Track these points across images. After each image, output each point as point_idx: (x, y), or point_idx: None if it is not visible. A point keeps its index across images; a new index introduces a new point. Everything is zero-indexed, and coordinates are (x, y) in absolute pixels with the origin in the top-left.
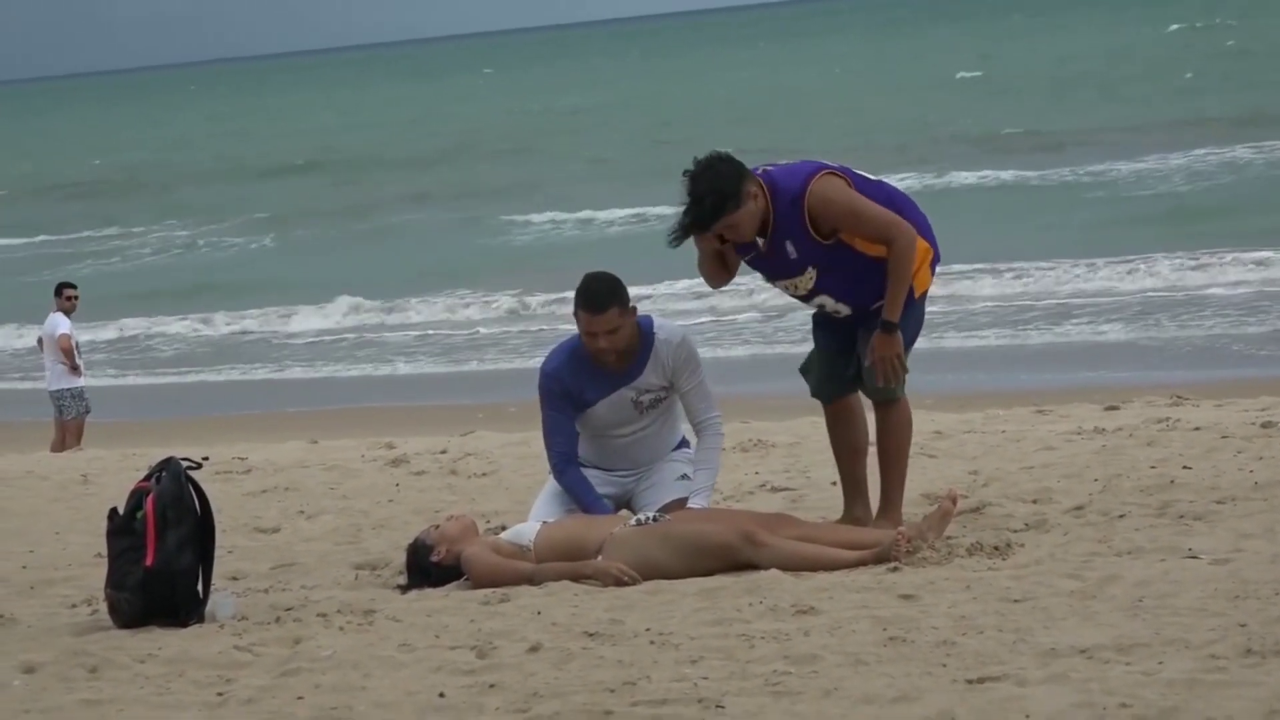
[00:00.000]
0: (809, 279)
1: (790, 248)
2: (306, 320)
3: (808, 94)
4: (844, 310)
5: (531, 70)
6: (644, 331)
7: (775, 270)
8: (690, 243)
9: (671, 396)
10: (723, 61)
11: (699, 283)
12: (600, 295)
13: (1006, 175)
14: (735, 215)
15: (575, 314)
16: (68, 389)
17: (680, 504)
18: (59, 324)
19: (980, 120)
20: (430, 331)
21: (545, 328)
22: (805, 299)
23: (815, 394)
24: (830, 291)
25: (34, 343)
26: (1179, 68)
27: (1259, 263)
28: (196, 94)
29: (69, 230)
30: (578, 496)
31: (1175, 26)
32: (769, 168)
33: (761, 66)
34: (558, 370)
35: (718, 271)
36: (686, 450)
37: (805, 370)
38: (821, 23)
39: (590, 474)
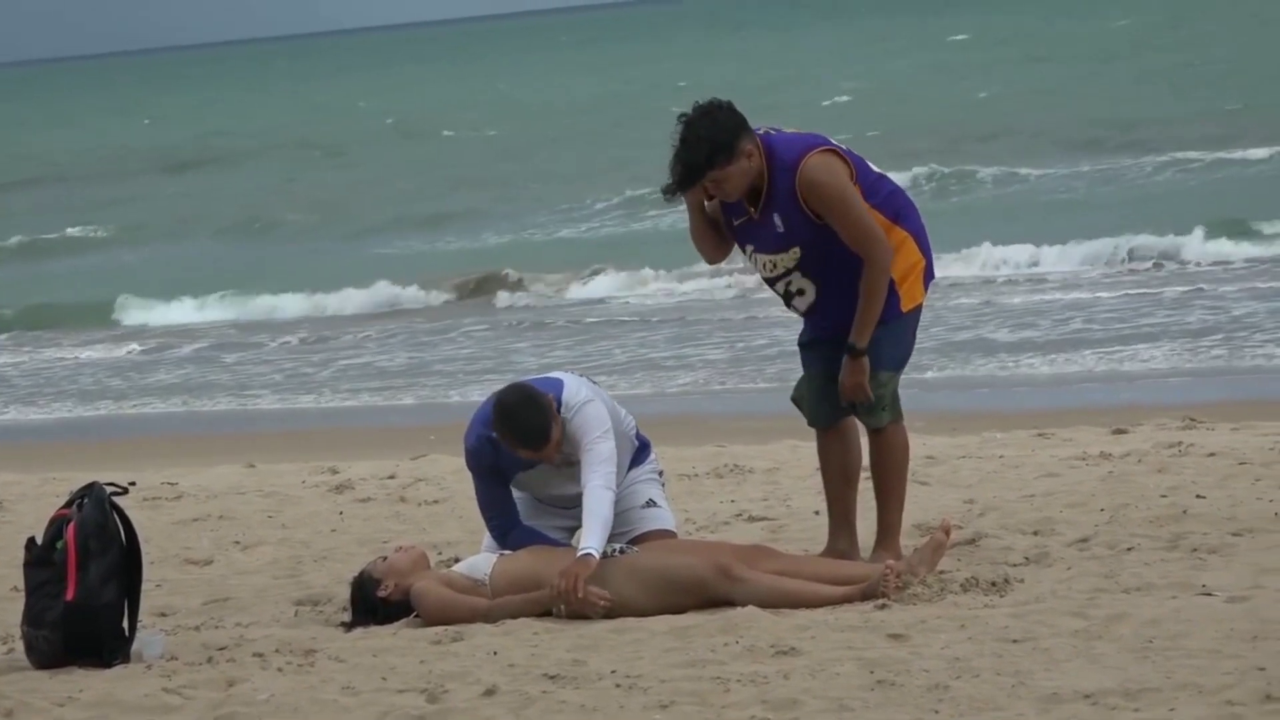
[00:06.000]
0: (791, 258)
1: (778, 220)
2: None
3: None
4: (809, 293)
5: None
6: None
7: (760, 241)
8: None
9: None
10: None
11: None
12: (535, 431)
13: None
14: (725, 169)
15: (502, 439)
16: None
17: (652, 535)
18: None
19: None
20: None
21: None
22: (778, 279)
23: (812, 422)
24: (807, 271)
25: None
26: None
27: None
28: None
29: None
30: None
31: None
32: (771, 131)
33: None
34: (479, 447)
35: (714, 244)
36: (651, 463)
37: (797, 400)
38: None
39: (545, 513)
